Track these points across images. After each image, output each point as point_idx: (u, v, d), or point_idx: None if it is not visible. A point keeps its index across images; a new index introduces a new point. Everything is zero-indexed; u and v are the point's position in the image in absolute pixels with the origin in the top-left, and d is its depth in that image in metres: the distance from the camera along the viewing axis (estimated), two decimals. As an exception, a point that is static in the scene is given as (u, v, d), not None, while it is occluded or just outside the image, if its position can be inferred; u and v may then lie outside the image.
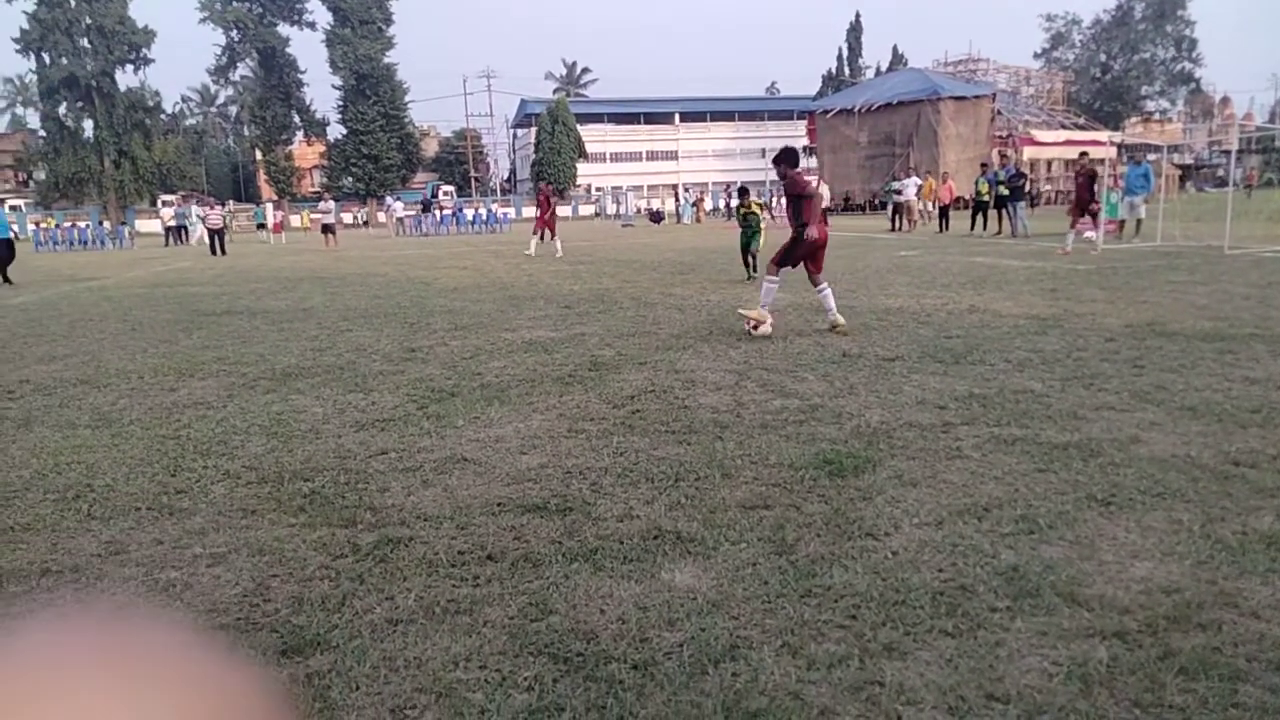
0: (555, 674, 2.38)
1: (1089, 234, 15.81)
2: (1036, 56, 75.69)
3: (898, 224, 26.32)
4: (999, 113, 44.67)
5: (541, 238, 20.08)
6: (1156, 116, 73.13)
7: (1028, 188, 24.77)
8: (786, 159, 7.81)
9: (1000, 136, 44.40)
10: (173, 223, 38.32)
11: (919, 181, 26.73)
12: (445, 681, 2.36)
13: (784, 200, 8.20)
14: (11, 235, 17.87)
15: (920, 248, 18.66)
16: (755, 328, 7.66)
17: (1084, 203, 15.59)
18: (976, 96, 43.36)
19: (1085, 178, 15.67)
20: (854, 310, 9.28)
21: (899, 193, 26.56)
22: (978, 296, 9.99)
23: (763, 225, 13.63)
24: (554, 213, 20.66)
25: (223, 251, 27.05)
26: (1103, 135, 47.58)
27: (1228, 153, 43.74)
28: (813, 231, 7.59)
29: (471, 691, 2.30)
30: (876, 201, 41.25)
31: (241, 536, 3.46)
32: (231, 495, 3.97)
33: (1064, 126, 48.52)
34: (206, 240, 29.03)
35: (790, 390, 5.65)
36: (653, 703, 2.23)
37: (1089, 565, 2.93)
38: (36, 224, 42.29)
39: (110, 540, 3.46)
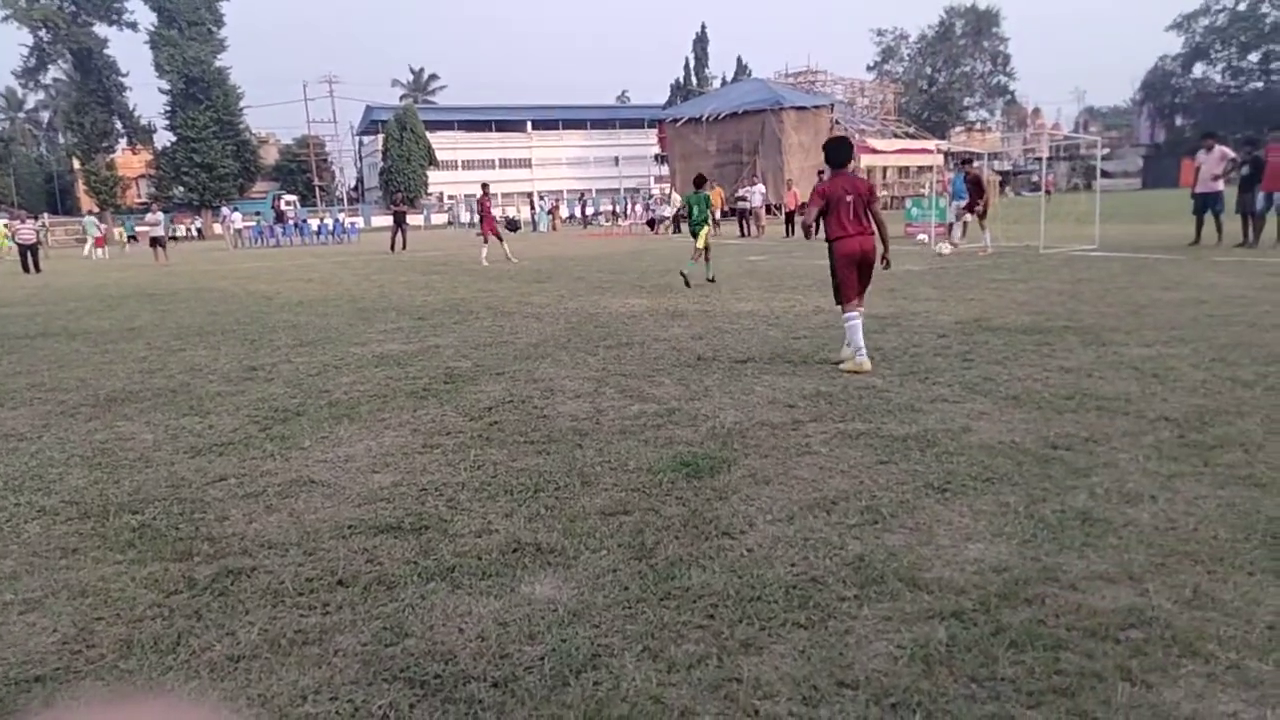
0: (411, 699, 2.30)
1: (921, 236, 16.83)
2: (869, 69, 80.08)
3: (746, 229, 27.15)
4: (837, 122, 46.82)
5: (499, 239, 19.32)
6: (978, 126, 78.83)
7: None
8: None
9: (839, 145, 46.48)
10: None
11: (764, 189, 27.66)
12: (293, 717, 2.23)
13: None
14: None
15: (769, 253, 19.31)
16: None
17: (977, 204, 16.65)
18: (816, 107, 45.32)
19: (972, 182, 16.79)
20: (708, 314, 9.49)
21: (744, 199, 27.40)
22: (823, 298, 10.41)
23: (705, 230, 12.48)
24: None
25: (36, 269, 24.84)
26: (931, 144, 50.90)
27: (1040, 159, 47.52)
28: None
29: (322, 726, 2.19)
30: (726, 209, 42.36)
31: (60, 578, 3.17)
32: (48, 534, 3.63)
33: (897, 135, 51.44)
34: (17, 256, 26.58)
35: (648, 395, 5.71)
36: (513, 719, 2.19)
37: (927, 550, 3.09)
38: None
39: (-99, 593, 3.10)
